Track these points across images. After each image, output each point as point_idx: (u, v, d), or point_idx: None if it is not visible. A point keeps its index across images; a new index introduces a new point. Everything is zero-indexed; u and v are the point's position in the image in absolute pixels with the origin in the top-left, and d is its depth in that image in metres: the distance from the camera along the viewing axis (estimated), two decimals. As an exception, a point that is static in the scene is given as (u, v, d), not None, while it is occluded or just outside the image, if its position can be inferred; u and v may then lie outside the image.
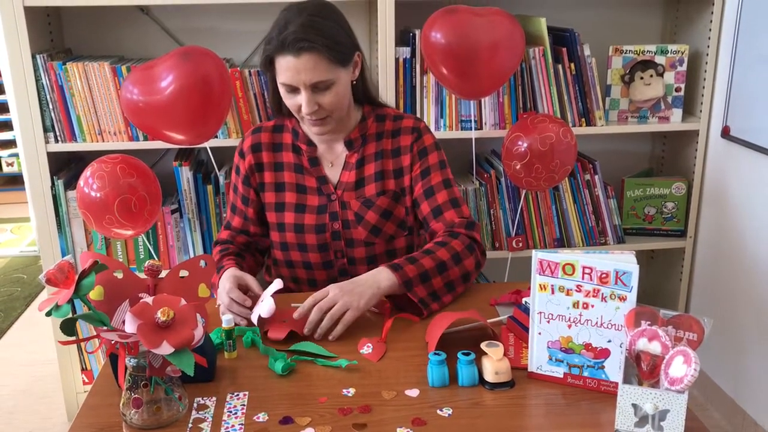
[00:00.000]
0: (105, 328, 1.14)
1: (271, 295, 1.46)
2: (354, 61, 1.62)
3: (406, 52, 2.32)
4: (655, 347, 1.11)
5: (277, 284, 1.48)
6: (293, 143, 1.73)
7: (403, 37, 2.41)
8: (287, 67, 1.53)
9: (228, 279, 1.55)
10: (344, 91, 1.61)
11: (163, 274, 1.27)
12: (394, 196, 1.71)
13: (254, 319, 1.47)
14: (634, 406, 1.09)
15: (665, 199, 2.58)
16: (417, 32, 2.27)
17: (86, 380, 2.50)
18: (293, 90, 1.57)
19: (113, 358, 1.25)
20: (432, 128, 2.21)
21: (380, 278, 1.51)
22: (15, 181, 5.34)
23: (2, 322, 3.39)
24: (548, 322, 1.26)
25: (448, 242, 1.62)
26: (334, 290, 1.46)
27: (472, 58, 2.07)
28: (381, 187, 1.70)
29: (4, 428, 2.55)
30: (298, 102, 1.57)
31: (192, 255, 2.38)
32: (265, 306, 1.45)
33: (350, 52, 1.60)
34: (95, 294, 1.18)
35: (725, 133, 2.39)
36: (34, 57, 2.16)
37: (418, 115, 2.36)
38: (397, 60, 2.31)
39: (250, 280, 1.56)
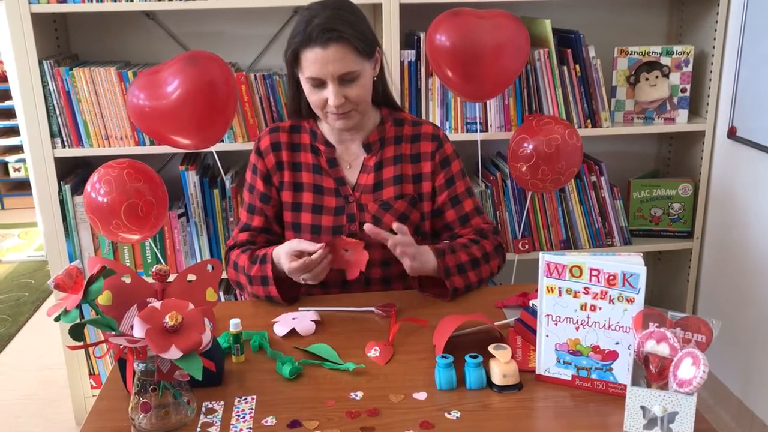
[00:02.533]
0: (113, 332, 1.15)
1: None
2: (375, 57, 1.63)
3: (411, 55, 2.32)
4: (663, 349, 1.11)
5: (315, 315, 1.55)
6: (311, 144, 1.73)
7: (408, 40, 2.41)
8: (315, 60, 1.53)
9: (285, 254, 1.57)
10: (369, 85, 1.62)
11: (171, 278, 1.27)
12: (411, 200, 1.72)
13: (281, 332, 1.49)
14: (643, 408, 1.09)
15: (672, 200, 2.58)
16: (422, 35, 2.27)
17: (94, 385, 2.51)
18: (320, 84, 1.57)
19: (122, 363, 1.25)
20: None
21: (427, 259, 1.59)
22: (22, 186, 5.36)
23: (10, 327, 3.40)
24: (556, 324, 1.26)
25: (479, 241, 1.69)
26: (413, 249, 1.56)
27: (476, 61, 2.07)
28: (399, 191, 1.71)
29: (13, 433, 2.56)
30: (324, 96, 1.58)
31: (199, 259, 2.38)
32: (304, 325, 1.50)
33: (373, 45, 1.62)
34: (103, 299, 1.19)
35: (731, 133, 2.39)
36: (41, 63, 2.17)
37: (424, 117, 2.36)
38: (402, 63, 2.31)
39: (305, 245, 1.57)
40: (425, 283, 1.65)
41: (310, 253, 1.53)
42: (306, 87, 1.60)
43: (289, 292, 1.64)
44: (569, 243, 2.51)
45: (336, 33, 1.52)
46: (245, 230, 1.75)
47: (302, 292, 1.71)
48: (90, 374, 2.50)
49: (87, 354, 2.47)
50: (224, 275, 1.86)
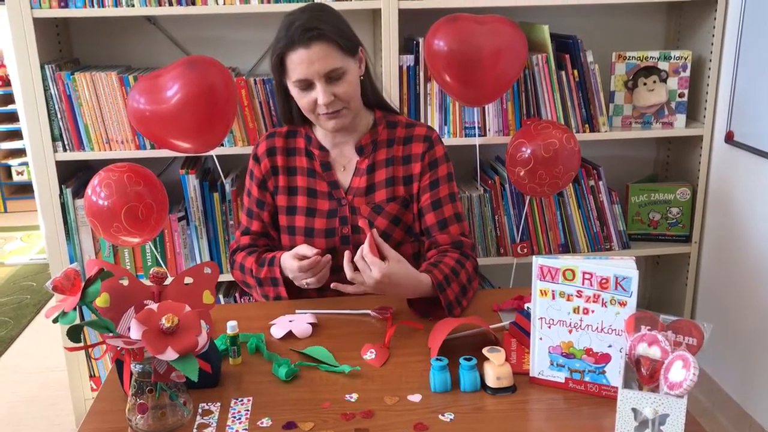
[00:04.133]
0: (110, 334, 1.16)
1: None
2: (359, 56, 1.65)
3: (409, 59, 2.34)
4: (654, 352, 1.12)
5: (312, 318, 1.57)
6: (306, 148, 1.75)
7: (407, 45, 2.42)
8: (300, 61, 1.55)
9: (291, 257, 1.60)
10: (356, 82, 1.64)
11: (168, 281, 1.29)
12: (403, 202, 1.73)
13: (278, 334, 1.50)
14: (634, 410, 1.10)
15: (670, 205, 2.59)
16: (420, 40, 2.29)
17: (94, 387, 2.52)
18: (308, 86, 1.59)
19: (119, 364, 1.27)
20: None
21: (417, 292, 1.56)
22: (25, 189, 5.39)
23: (12, 329, 3.42)
24: (549, 327, 1.27)
25: (464, 264, 1.66)
26: (370, 280, 1.47)
27: (475, 66, 2.09)
28: (391, 193, 1.72)
29: (14, 435, 2.58)
30: (313, 97, 1.59)
31: (199, 262, 2.40)
32: (300, 328, 1.51)
33: (355, 43, 1.64)
34: (101, 301, 1.20)
35: (729, 138, 2.40)
36: (42, 67, 2.19)
37: (422, 122, 2.37)
38: (401, 68, 2.32)
39: (304, 250, 1.60)
40: (416, 302, 1.62)
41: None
42: (294, 92, 1.62)
43: (295, 292, 1.69)
44: (568, 247, 2.52)
45: (317, 31, 1.54)
46: (246, 234, 1.80)
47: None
48: (90, 376, 2.51)
49: (87, 356, 2.49)
50: (225, 278, 1.87)
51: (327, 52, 1.55)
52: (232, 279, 1.81)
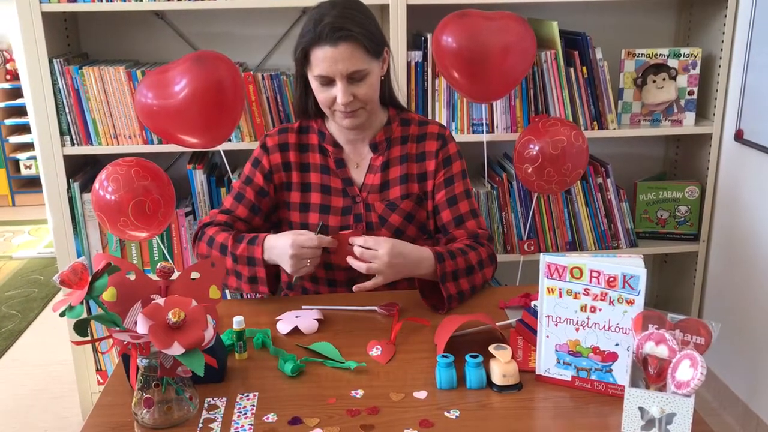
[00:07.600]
0: (117, 328, 1.16)
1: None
2: (383, 57, 1.65)
3: (417, 55, 2.33)
4: (662, 351, 1.11)
5: (318, 314, 1.56)
6: (320, 144, 1.75)
7: (415, 41, 2.42)
8: (324, 58, 1.55)
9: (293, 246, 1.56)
10: (377, 84, 1.64)
11: (175, 275, 1.29)
12: (417, 199, 1.73)
13: (284, 330, 1.50)
14: (641, 409, 1.09)
15: (678, 203, 2.58)
16: (429, 36, 2.28)
17: (101, 380, 2.53)
18: (329, 82, 1.59)
19: (125, 359, 1.27)
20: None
21: (422, 267, 1.58)
22: (33, 183, 5.41)
23: (20, 322, 3.44)
24: (556, 325, 1.26)
25: (476, 248, 1.68)
26: (384, 258, 1.52)
27: (483, 62, 2.08)
28: (405, 190, 1.72)
29: (21, 427, 2.58)
30: (333, 94, 1.59)
31: (205, 257, 2.40)
32: (306, 324, 1.51)
33: (381, 45, 1.63)
34: (108, 295, 1.20)
35: (738, 136, 2.38)
36: (51, 61, 2.19)
37: (430, 118, 2.36)
38: (408, 64, 2.32)
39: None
40: (424, 288, 1.64)
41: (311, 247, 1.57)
42: (314, 85, 1.62)
43: (273, 281, 1.67)
44: (575, 245, 2.51)
45: (346, 32, 1.54)
46: (226, 213, 1.74)
47: (291, 282, 1.73)
48: (97, 370, 2.52)
49: (94, 350, 2.49)
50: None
51: (352, 53, 1.55)
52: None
